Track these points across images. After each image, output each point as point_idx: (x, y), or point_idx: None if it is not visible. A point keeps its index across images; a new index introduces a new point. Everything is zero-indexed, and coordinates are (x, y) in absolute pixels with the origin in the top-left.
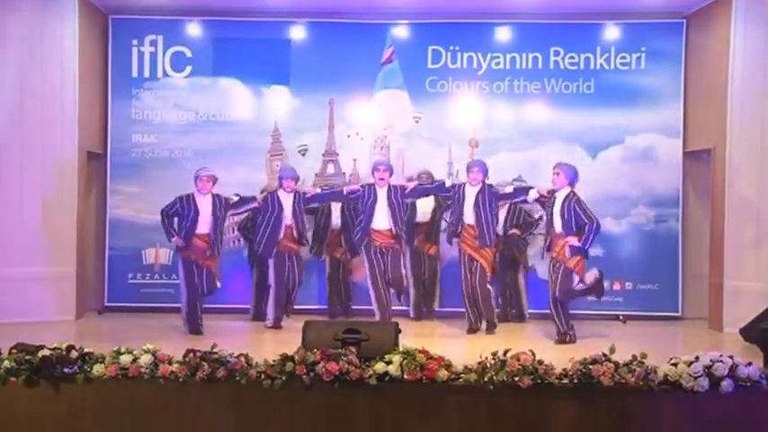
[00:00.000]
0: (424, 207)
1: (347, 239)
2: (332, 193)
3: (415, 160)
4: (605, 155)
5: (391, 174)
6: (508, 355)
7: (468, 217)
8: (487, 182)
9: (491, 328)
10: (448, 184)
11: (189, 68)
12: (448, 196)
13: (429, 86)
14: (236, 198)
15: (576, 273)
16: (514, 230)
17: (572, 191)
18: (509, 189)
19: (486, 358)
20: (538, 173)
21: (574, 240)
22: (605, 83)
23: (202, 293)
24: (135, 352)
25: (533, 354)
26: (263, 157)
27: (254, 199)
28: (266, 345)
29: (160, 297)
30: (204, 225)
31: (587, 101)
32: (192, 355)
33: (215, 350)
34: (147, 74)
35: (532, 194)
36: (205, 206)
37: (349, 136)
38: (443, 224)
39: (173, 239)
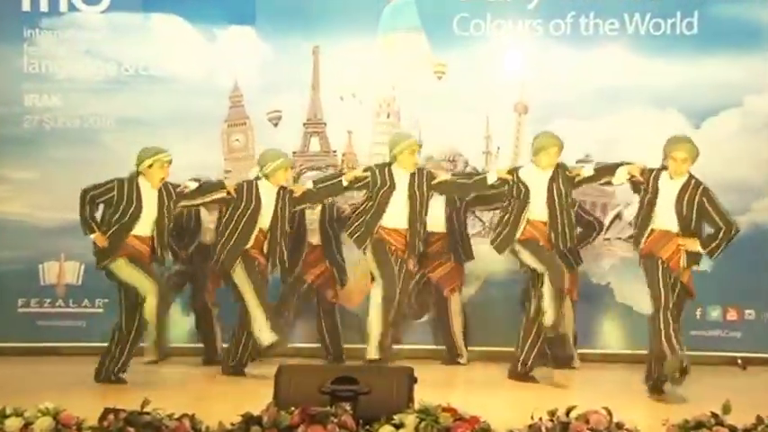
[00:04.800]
0: (435, 209)
1: (330, 256)
2: (329, 187)
3: (437, 134)
4: (714, 123)
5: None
6: (572, 414)
7: (537, 211)
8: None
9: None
10: (493, 177)
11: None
12: (492, 196)
13: (458, 27)
14: (192, 185)
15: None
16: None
17: (695, 178)
18: (587, 172)
19: (541, 419)
20: (615, 150)
21: (694, 244)
22: (714, 19)
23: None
24: (27, 413)
25: (610, 413)
26: (217, 129)
27: (220, 186)
28: (222, 399)
29: (65, 333)
30: (146, 224)
31: (688, 46)
32: (112, 416)
33: (147, 409)
34: (45, 7)
35: (621, 175)
36: (151, 199)
37: (342, 98)
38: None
39: (92, 235)
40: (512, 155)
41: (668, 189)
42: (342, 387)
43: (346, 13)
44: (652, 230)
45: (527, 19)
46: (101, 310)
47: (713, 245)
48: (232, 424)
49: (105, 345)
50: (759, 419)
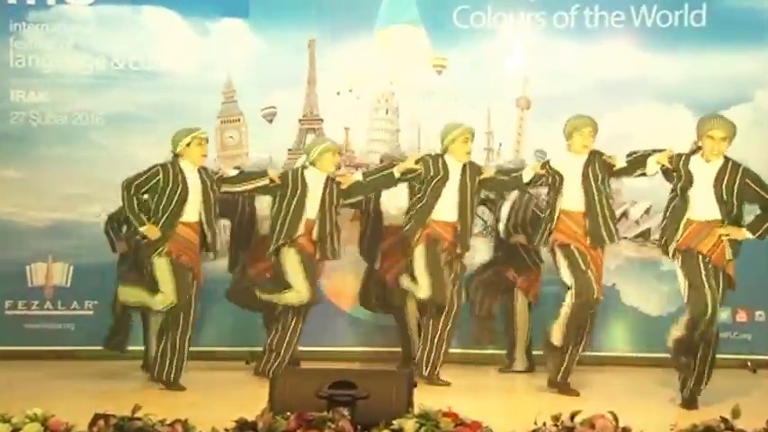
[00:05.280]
0: (395, 199)
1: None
2: (380, 179)
3: (437, 130)
4: None
5: None
6: (577, 419)
7: (572, 200)
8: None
9: (562, 380)
10: (529, 175)
11: None
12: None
13: (458, 20)
14: (232, 171)
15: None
16: (519, 237)
17: (732, 159)
18: (620, 163)
19: (545, 424)
20: (621, 147)
21: (739, 232)
22: (723, 11)
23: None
24: (14, 419)
25: (616, 417)
26: (210, 125)
27: (263, 174)
28: (217, 404)
29: (54, 337)
30: (193, 209)
31: (696, 38)
32: (102, 422)
33: (138, 415)
34: None
35: (652, 166)
36: (195, 182)
37: (339, 94)
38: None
39: (143, 228)
40: (514, 151)
41: (704, 174)
42: (339, 391)
43: (343, 6)
44: (689, 221)
45: (529, 11)
46: (90, 313)
47: (765, 226)
48: (226, 430)
49: (95, 348)
50: None
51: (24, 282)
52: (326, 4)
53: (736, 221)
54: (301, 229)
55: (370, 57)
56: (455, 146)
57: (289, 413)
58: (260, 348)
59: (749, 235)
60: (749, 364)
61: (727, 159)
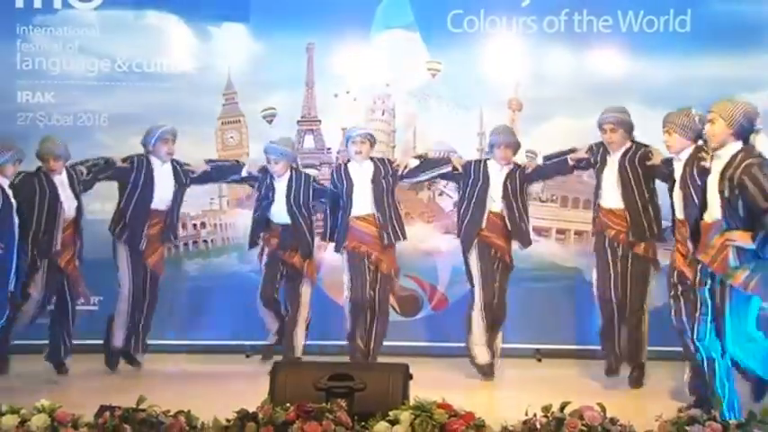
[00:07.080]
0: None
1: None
2: (557, 164)
3: (432, 130)
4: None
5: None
6: (566, 410)
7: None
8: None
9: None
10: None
11: None
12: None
13: (451, 24)
14: (413, 162)
15: (753, 293)
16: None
17: (743, 153)
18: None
19: (536, 415)
20: None
21: (744, 238)
22: (707, 16)
23: None
24: (23, 411)
25: (604, 409)
26: (211, 127)
27: (446, 161)
28: (218, 396)
29: None
30: (363, 203)
31: (681, 43)
32: (107, 413)
33: (142, 406)
34: (38, 3)
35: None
36: (359, 175)
37: (336, 95)
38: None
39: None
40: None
41: (712, 166)
42: (337, 383)
43: (340, 10)
44: (702, 222)
45: (521, 16)
46: (95, 308)
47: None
48: (227, 420)
49: (100, 342)
50: (751, 414)
51: None
52: (325, 11)
53: (749, 226)
54: (485, 223)
55: (367, 60)
56: (605, 135)
57: (288, 404)
58: (260, 342)
59: (751, 242)
60: None
61: (744, 149)
